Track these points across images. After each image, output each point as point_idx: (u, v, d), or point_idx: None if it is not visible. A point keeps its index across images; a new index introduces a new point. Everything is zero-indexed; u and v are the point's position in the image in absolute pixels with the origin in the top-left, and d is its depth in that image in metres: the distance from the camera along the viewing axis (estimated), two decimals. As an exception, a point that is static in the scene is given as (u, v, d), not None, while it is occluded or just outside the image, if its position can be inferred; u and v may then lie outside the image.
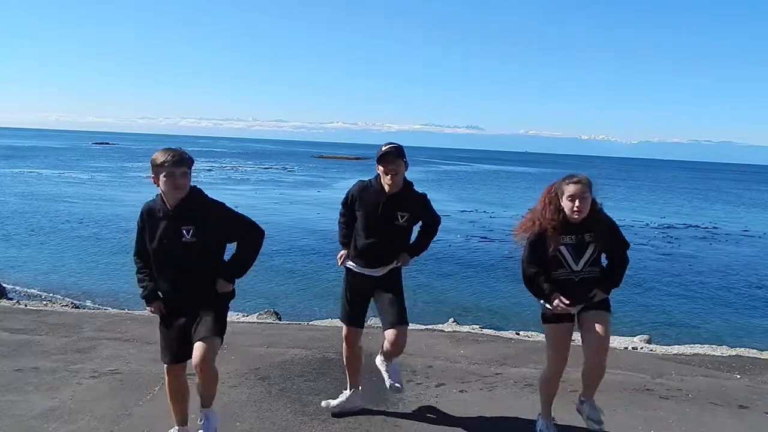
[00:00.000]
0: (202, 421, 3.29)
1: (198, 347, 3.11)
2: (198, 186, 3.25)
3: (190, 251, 3.13)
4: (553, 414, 3.73)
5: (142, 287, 3.28)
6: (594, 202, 3.45)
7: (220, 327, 3.22)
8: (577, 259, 3.41)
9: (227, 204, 3.30)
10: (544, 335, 3.66)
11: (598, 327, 3.42)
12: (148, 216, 3.21)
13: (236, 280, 3.32)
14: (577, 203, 3.35)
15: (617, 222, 3.59)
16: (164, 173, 3.09)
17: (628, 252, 3.56)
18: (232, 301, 3.40)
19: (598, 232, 3.41)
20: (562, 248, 3.41)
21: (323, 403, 3.98)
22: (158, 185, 3.15)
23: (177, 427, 3.45)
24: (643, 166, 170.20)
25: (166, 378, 3.34)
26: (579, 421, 3.71)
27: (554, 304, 3.43)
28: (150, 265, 3.26)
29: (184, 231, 3.12)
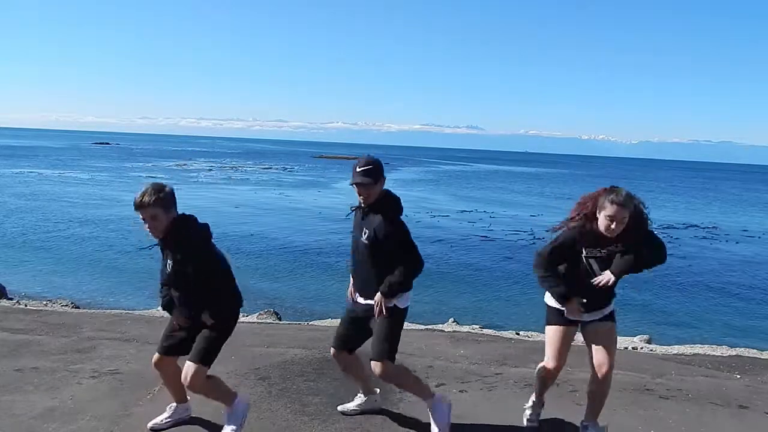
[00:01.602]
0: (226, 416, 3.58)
1: (186, 368, 3.38)
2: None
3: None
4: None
5: None
6: (636, 216, 3.26)
7: (209, 355, 3.41)
8: (603, 270, 3.35)
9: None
10: (546, 336, 3.61)
11: (604, 340, 3.41)
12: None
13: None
14: (614, 225, 3.22)
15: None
16: None
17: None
18: None
19: (626, 241, 3.28)
20: (592, 260, 3.36)
21: (339, 408, 4.00)
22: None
23: (174, 404, 3.72)
24: (643, 166, 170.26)
25: (159, 370, 3.60)
26: (577, 421, 3.71)
27: (570, 309, 3.38)
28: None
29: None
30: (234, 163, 64.47)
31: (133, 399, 4.12)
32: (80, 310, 7.49)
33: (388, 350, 3.51)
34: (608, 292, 3.41)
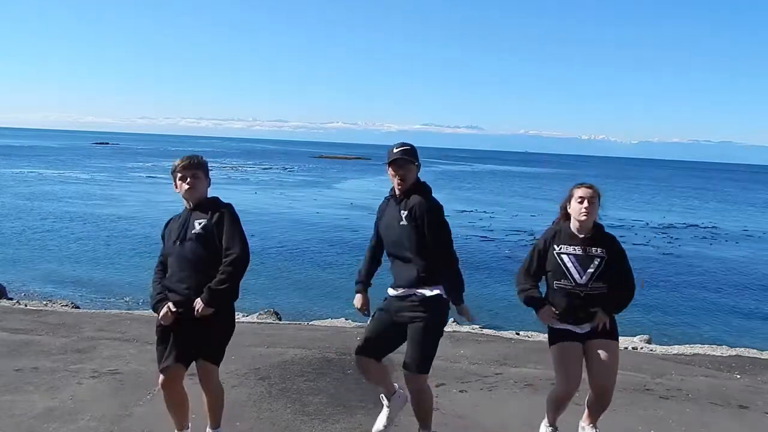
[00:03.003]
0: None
1: (204, 367, 3.14)
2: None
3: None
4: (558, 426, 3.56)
5: None
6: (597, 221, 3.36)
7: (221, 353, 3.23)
8: (582, 272, 3.24)
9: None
10: (552, 360, 3.38)
11: (604, 358, 3.25)
12: None
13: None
14: (585, 204, 3.25)
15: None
16: None
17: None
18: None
19: (609, 249, 3.27)
20: (565, 257, 3.27)
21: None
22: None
23: None
24: (643, 166, 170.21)
25: (164, 388, 3.18)
26: (576, 421, 3.71)
27: (542, 314, 3.29)
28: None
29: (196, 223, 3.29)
30: (234, 163, 64.43)
31: (133, 399, 4.12)
32: (80, 310, 7.50)
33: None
34: (590, 304, 3.27)
